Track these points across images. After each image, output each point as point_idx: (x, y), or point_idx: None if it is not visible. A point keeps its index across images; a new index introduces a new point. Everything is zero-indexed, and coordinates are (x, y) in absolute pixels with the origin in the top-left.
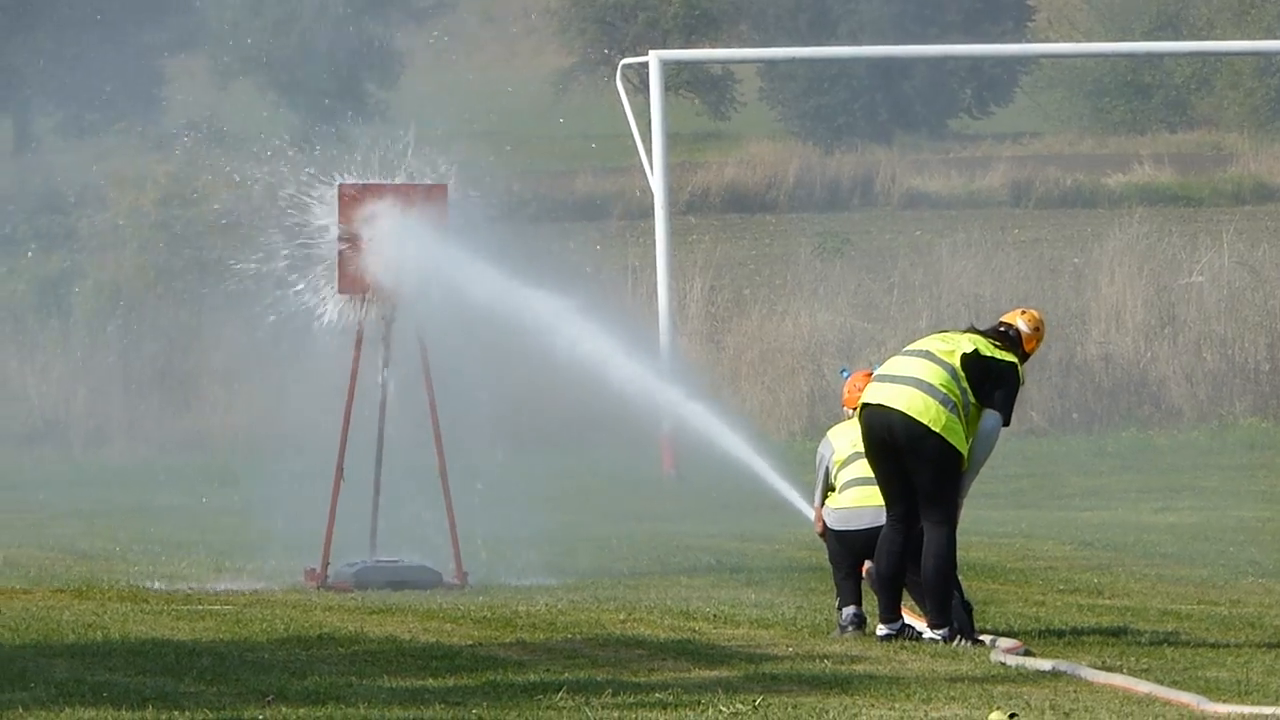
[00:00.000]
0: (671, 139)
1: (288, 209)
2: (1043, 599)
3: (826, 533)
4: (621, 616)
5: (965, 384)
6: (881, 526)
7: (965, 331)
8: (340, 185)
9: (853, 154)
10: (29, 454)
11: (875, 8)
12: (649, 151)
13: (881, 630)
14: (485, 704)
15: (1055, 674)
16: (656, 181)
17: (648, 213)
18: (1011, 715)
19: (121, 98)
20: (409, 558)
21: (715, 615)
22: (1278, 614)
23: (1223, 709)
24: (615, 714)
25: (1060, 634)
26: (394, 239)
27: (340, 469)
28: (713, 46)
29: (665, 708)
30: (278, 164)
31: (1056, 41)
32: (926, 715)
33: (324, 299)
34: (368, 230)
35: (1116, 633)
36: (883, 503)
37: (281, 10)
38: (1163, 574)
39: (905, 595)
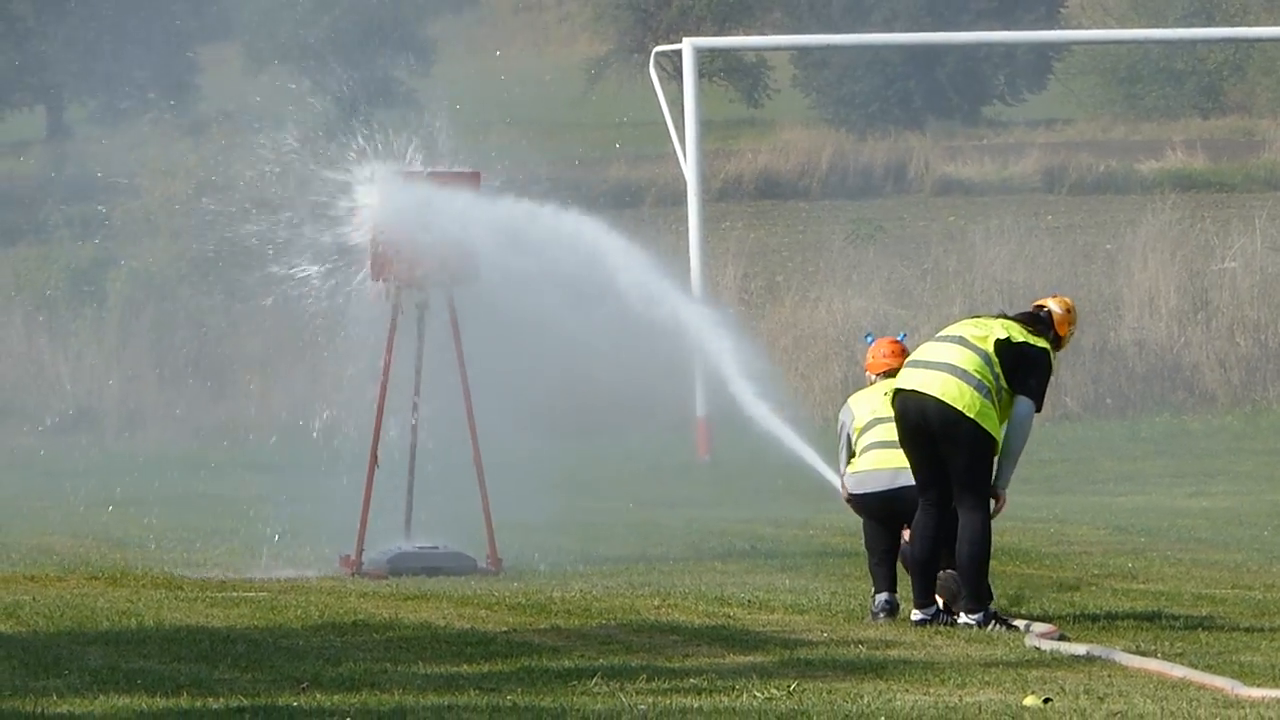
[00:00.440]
0: (705, 126)
1: (320, 197)
2: (1077, 584)
3: (850, 499)
4: (656, 602)
5: (998, 369)
6: (898, 489)
7: (997, 317)
8: (375, 172)
9: (886, 140)
10: (63, 442)
11: None
12: (682, 139)
13: (915, 615)
14: (520, 690)
15: (1090, 658)
16: (690, 169)
17: (681, 200)
18: (1046, 700)
19: (154, 86)
20: (444, 544)
21: (750, 601)
22: None
23: (1257, 693)
24: (650, 700)
25: (1095, 618)
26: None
27: (375, 455)
28: (746, 34)
29: (700, 693)
30: (310, 151)
31: (1089, 28)
32: (961, 700)
33: (357, 285)
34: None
35: (1151, 617)
36: (899, 465)
37: None
38: (1197, 559)
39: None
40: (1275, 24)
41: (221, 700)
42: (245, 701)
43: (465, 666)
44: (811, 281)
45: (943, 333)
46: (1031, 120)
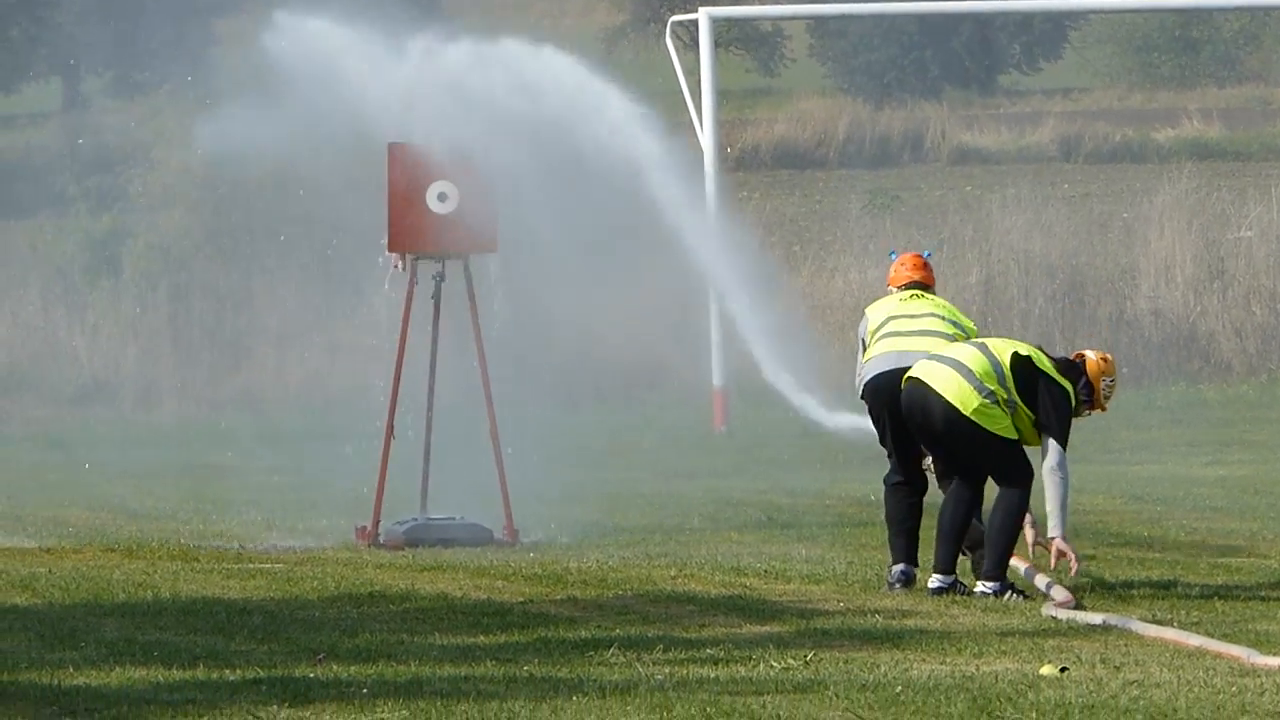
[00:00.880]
0: (721, 96)
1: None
2: (1093, 552)
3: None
4: (673, 573)
5: (1010, 384)
6: (899, 370)
7: (1036, 346)
8: (390, 144)
9: (902, 110)
10: (79, 414)
11: None
12: (699, 108)
13: (933, 582)
14: (536, 661)
15: (1106, 627)
16: (706, 138)
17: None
18: (1063, 669)
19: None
20: (460, 515)
21: (766, 571)
22: None
23: (1274, 662)
24: (667, 670)
25: (1110, 587)
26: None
27: (391, 427)
28: (762, 3)
29: (717, 663)
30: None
31: None
32: (978, 669)
33: (375, 258)
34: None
35: (1167, 586)
36: (905, 348)
37: None
38: (1213, 527)
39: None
40: None
41: (238, 672)
42: (261, 673)
43: (482, 637)
44: (828, 251)
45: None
46: (1048, 89)
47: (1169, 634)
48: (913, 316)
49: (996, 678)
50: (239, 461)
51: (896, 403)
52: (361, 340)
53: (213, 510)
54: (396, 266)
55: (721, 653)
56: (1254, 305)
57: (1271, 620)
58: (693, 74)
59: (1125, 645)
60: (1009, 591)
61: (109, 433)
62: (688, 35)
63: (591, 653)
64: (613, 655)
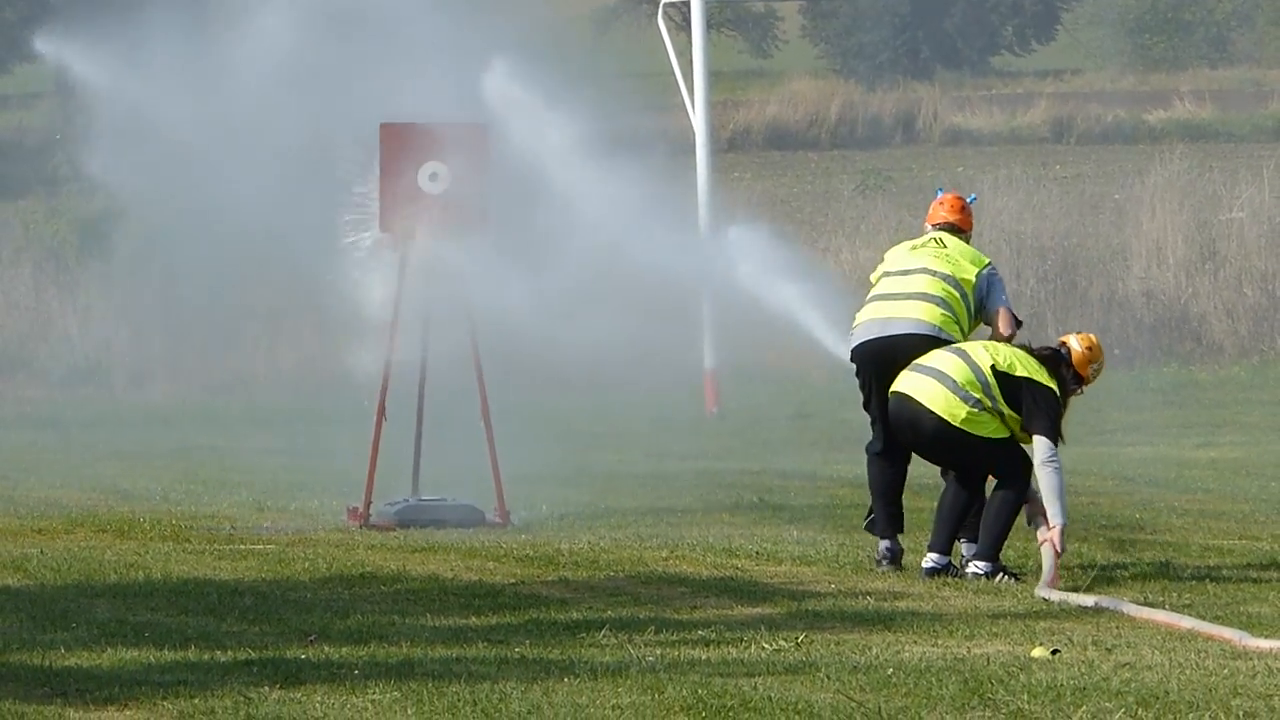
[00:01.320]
0: (713, 77)
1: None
2: (1085, 534)
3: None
4: (664, 554)
5: (996, 393)
6: (888, 337)
7: (1018, 347)
8: (381, 124)
9: (894, 91)
10: (71, 394)
11: None
12: (691, 89)
13: (928, 562)
14: (528, 642)
15: (1098, 610)
16: (698, 119)
17: (689, 150)
18: (1054, 651)
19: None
20: (452, 497)
21: (758, 553)
22: None
23: (1265, 644)
24: (658, 651)
25: (1102, 569)
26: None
27: (382, 408)
28: None
29: (708, 645)
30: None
31: None
32: (970, 652)
33: (365, 238)
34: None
35: (1158, 568)
36: (889, 315)
37: None
38: (1204, 509)
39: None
40: None
41: (229, 653)
42: (253, 654)
43: (473, 619)
44: (820, 232)
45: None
46: (1040, 70)
47: (1160, 616)
48: (906, 274)
49: (988, 660)
50: (231, 443)
51: (879, 370)
52: (353, 321)
53: (204, 492)
54: (387, 247)
55: (713, 634)
56: (1245, 287)
57: (1263, 602)
58: (685, 55)
59: (1117, 628)
60: (1001, 573)
61: (101, 413)
62: (680, 16)
63: (583, 634)
64: (604, 637)
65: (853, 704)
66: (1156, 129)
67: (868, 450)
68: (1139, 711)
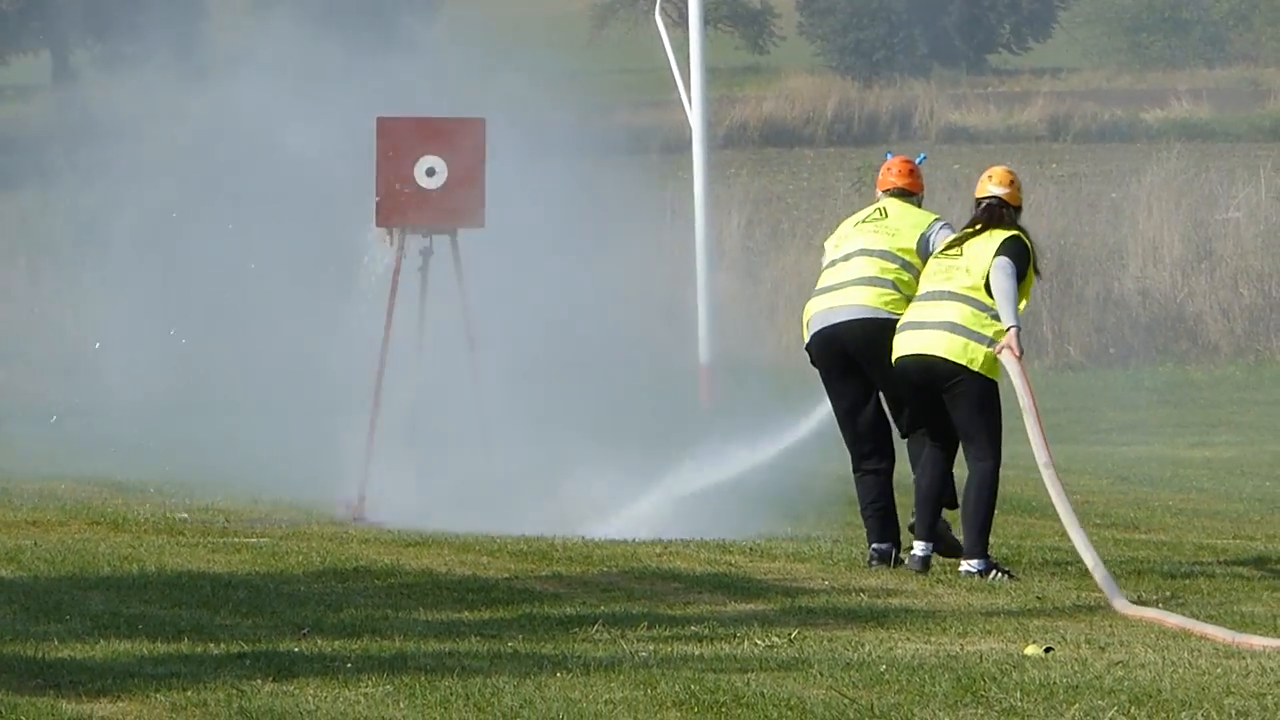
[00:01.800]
0: (710, 73)
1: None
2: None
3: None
4: (657, 550)
5: (989, 301)
6: (831, 325)
7: (966, 239)
8: (379, 118)
9: (891, 88)
10: (66, 385)
11: None
12: (687, 85)
13: (917, 550)
14: (521, 637)
15: (1089, 608)
16: (695, 116)
17: (686, 147)
18: (1047, 649)
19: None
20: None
21: (751, 549)
22: None
23: (1257, 642)
24: (651, 647)
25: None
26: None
27: (377, 400)
28: None
29: (701, 640)
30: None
31: None
32: (963, 649)
33: (363, 232)
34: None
35: (1152, 567)
36: (830, 305)
37: None
38: (1199, 508)
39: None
40: None
41: (222, 646)
42: (246, 647)
43: (466, 613)
44: (816, 229)
45: (931, 283)
46: (1037, 69)
47: (1151, 614)
48: (847, 259)
49: (981, 657)
50: (225, 435)
51: (831, 363)
52: (349, 314)
53: (198, 484)
54: (384, 241)
55: (706, 630)
56: (1241, 286)
57: (1256, 601)
58: (681, 50)
59: (1110, 626)
60: (994, 570)
61: (95, 404)
62: (676, 12)
63: (576, 629)
64: (597, 632)
65: (845, 700)
66: (1153, 128)
67: (853, 472)
68: (1132, 710)
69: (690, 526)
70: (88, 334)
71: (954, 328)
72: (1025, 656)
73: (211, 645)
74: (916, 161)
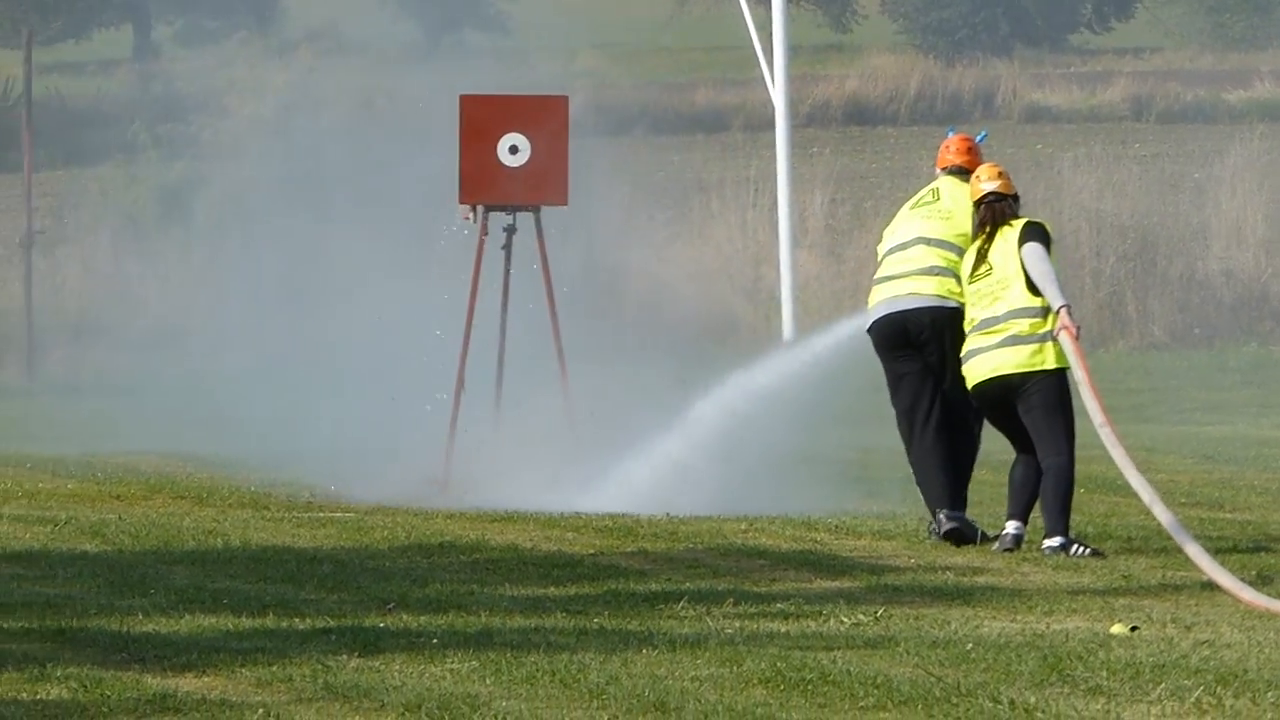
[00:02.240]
0: (793, 51)
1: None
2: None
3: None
4: (743, 526)
5: (1036, 302)
6: (898, 312)
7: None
8: (462, 96)
9: (974, 68)
10: (149, 361)
11: None
12: (770, 64)
13: (1009, 529)
14: (606, 613)
15: (1176, 586)
16: (778, 94)
17: (768, 125)
18: (1133, 628)
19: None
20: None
21: (837, 526)
22: None
23: None
24: (737, 624)
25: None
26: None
27: (461, 378)
28: None
29: (787, 618)
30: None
31: None
32: (1048, 628)
33: (446, 210)
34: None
35: (1237, 546)
36: (893, 294)
37: None
38: None
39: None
40: None
41: (307, 621)
42: (331, 622)
43: (552, 589)
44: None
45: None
46: (1119, 48)
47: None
48: (904, 247)
49: (1067, 636)
50: (308, 410)
51: (891, 346)
52: (432, 292)
53: (283, 459)
54: (467, 218)
55: (792, 607)
56: None
57: None
58: (764, 29)
59: (1196, 605)
60: (1075, 545)
61: (179, 379)
62: None
63: (662, 606)
64: (683, 609)
65: (931, 679)
66: (1236, 108)
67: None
68: (1218, 689)
69: (775, 502)
70: (171, 309)
71: (1014, 340)
72: (1111, 635)
73: (296, 620)
74: (977, 140)
